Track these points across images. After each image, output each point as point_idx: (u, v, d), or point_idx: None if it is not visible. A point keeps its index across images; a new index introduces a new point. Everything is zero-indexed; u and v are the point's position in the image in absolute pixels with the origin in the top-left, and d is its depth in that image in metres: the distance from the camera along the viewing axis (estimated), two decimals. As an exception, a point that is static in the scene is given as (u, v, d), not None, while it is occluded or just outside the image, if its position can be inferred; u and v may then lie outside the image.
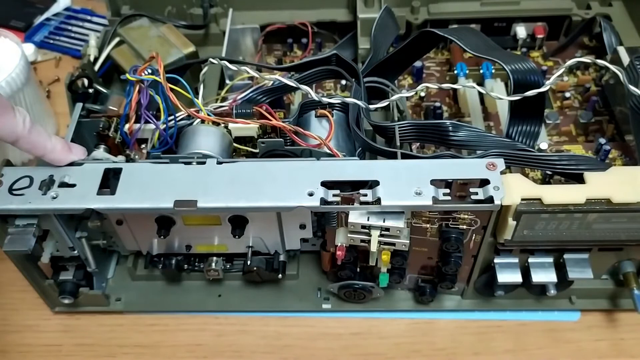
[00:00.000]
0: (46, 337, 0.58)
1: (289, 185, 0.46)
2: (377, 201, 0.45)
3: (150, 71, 0.52)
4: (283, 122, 0.53)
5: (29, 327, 0.59)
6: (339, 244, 0.49)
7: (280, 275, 0.55)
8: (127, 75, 0.53)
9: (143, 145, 0.54)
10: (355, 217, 0.46)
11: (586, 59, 0.55)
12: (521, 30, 0.73)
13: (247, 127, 0.53)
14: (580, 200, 0.45)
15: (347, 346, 0.56)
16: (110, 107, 0.57)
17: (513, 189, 0.45)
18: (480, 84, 0.67)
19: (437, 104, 0.67)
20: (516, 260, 0.51)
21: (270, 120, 0.53)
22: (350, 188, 0.47)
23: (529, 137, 0.56)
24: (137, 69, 0.52)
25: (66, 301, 0.55)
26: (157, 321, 0.59)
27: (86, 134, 0.55)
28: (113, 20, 0.73)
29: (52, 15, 0.92)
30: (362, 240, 0.48)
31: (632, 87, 0.53)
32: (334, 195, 0.46)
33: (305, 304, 0.58)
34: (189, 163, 0.49)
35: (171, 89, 0.52)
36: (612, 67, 0.55)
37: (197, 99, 0.55)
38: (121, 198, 0.46)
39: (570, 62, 0.55)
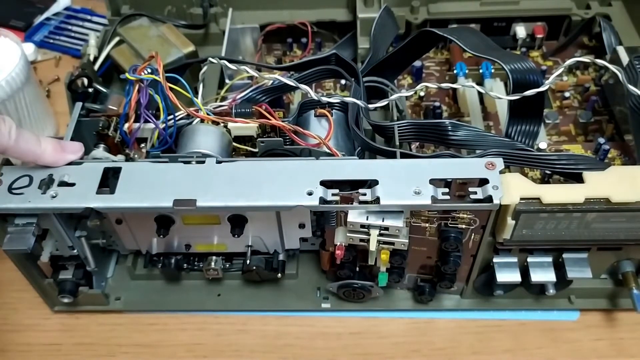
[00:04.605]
0: (46, 336, 0.58)
1: (288, 185, 0.46)
2: (376, 200, 0.45)
3: (149, 70, 0.52)
4: (282, 121, 0.53)
5: (29, 326, 0.59)
6: (338, 243, 0.49)
7: (279, 275, 0.55)
8: (127, 75, 0.53)
9: (142, 145, 0.54)
10: (355, 216, 0.46)
11: (585, 59, 0.55)
12: (521, 30, 0.73)
13: (247, 127, 0.53)
14: (579, 199, 0.45)
15: (346, 345, 0.56)
16: (110, 107, 0.57)
17: (512, 188, 0.45)
18: (480, 83, 0.67)
19: (437, 104, 0.67)
20: (515, 259, 0.51)
21: (270, 119, 0.53)
22: (349, 187, 0.47)
23: (528, 137, 0.56)
24: (137, 68, 0.52)
25: (66, 300, 0.55)
26: (156, 320, 0.59)
27: (86, 133, 0.55)
28: (113, 19, 0.74)
29: (52, 15, 0.92)
30: (361, 240, 0.48)
31: (631, 87, 0.53)
32: (333, 195, 0.46)
33: (305, 303, 0.58)
34: (189, 162, 0.49)
35: (171, 89, 0.52)
36: (611, 66, 0.55)
37: (197, 98, 0.55)
38: (120, 197, 0.46)
39: (569, 62, 0.55)
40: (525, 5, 0.71)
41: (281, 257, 0.55)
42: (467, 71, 0.68)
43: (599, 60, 0.55)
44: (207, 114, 0.53)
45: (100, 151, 0.54)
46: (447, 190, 0.46)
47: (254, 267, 0.55)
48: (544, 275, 0.51)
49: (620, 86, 0.55)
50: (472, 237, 0.49)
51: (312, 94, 0.53)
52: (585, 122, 0.65)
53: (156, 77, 0.52)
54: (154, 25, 0.69)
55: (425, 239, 0.50)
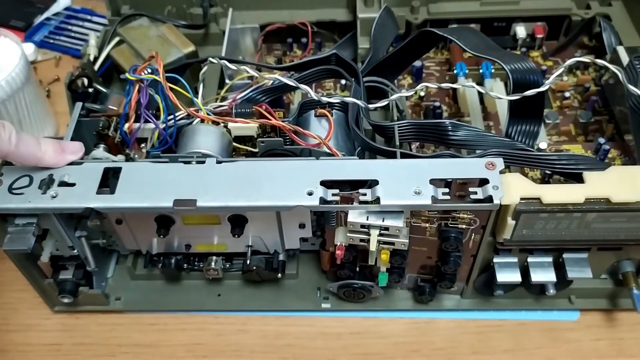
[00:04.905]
0: (46, 336, 0.58)
1: (289, 185, 0.46)
2: (377, 200, 0.45)
3: (149, 70, 0.52)
4: (282, 121, 0.53)
5: (29, 326, 0.59)
6: (339, 243, 0.49)
7: (279, 275, 0.55)
8: (127, 75, 0.53)
9: (143, 145, 0.54)
10: (355, 216, 0.46)
11: (586, 59, 0.55)
12: (521, 30, 0.73)
13: (247, 127, 0.53)
14: (579, 199, 0.45)
15: (346, 346, 0.56)
16: (110, 107, 0.57)
17: (512, 188, 0.45)
18: (480, 83, 0.67)
19: (437, 104, 0.67)
20: (515, 259, 0.51)
21: (270, 119, 0.53)
22: (349, 187, 0.47)
23: (529, 137, 0.56)
24: (137, 68, 0.52)
25: (66, 300, 0.55)
26: (156, 320, 0.59)
27: (86, 133, 0.55)
28: (113, 19, 0.74)
29: (52, 15, 0.92)
30: (362, 240, 0.48)
31: (631, 87, 0.53)
32: (333, 195, 0.46)
33: (305, 303, 0.58)
34: (189, 162, 0.49)
35: (171, 89, 0.52)
36: (611, 66, 0.55)
37: (197, 98, 0.55)
38: (121, 197, 0.46)
39: (569, 62, 0.55)
40: (525, 5, 0.71)
41: (281, 257, 0.55)
42: (467, 71, 0.68)
43: (599, 60, 0.55)
44: (207, 114, 0.53)
45: (100, 151, 0.54)
46: (447, 190, 0.46)
47: (254, 267, 0.55)
48: (544, 275, 0.51)
49: (620, 86, 0.55)
50: (472, 237, 0.49)
51: (312, 94, 0.53)
52: (585, 122, 0.65)
53: (156, 77, 0.52)
54: (154, 25, 0.69)
55: (426, 239, 0.50)
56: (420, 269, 0.55)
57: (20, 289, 0.59)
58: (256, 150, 0.54)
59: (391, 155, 0.52)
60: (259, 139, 0.54)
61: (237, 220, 0.50)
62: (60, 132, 0.76)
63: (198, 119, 0.53)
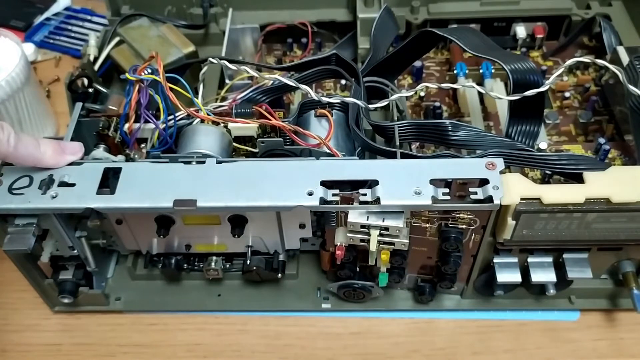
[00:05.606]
0: (46, 336, 0.58)
1: (289, 185, 0.46)
2: (377, 201, 0.45)
3: (149, 71, 0.52)
4: (283, 121, 0.53)
5: (29, 326, 0.59)
6: (339, 244, 0.49)
7: (279, 275, 0.55)
8: (127, 75, 0.53)
9: (143, 145, 0.54)
10: (355, 216, 0.46)
11: (586, 59, 0.55)
12: (521, 30, 0.73)
13: (247, 127, 0.53)
14: (579, 199, 0.45)
15: (346, 346, 0.56)
16: (110, 107, 0.57)
17: (512, 188, 0.45)
18: (480, 83, 0.67)
19: (437, 104, 0.67)
20: (515, 259, 0.51)
21: (270, 119, 0.53)
22: (349, 187, 0.47)
23: (529, 137, 0.56)
24: (137, 68, 0.52)
25: (66, 300, 0.55)
26: (156, 320, 0.59)
27: (86, 133, 0.55)
28: (113, 20, 0.74)
29: (52, 15, 0.92)
30: (362, 240, 0.48)
31: (631, 87, 0.53)
32: (334, 195, 0.46)
33: (305, 303, 0.58)
34: (189, 162, 0.49)
35: (171, 89, 0.52)
36: (611, 66, 0.55)
37: (197, 98, 0.55)
38: (121, 197, 0.46)
39: (569, 62, 0.55)
40: (525, 5, 0.71)
41: (281, 257, 0.55)
42: (467, 71, 0.68)
43: (599, 61, 0.55)
44: (208, 114, 0.53)
45: (100, 151, 0.54)
46: (447, 190, 0.45)
47: (254, 268, 0.55)
48: (544, 275, 0.51)
49: (621, 86, 0.55)
50: (473, 237, 0.49)
51: (312, 94, 0.53)
52: (586, 122, 0.65)
53: (156, 78, 0.52)
54: (154, 25, 0.69)
55: (426, 239, 0.50)
56: (420, 269, 0.55)
57: (20, 289, 0.59)
58: (256, 150, 0.54)
59: (391, 155, 0.52)
60: (259, 139, 0.54)
61: (237, 221, 0.50)
62: (60, 132, 0.76)
63: (198, 119, 0.53)
